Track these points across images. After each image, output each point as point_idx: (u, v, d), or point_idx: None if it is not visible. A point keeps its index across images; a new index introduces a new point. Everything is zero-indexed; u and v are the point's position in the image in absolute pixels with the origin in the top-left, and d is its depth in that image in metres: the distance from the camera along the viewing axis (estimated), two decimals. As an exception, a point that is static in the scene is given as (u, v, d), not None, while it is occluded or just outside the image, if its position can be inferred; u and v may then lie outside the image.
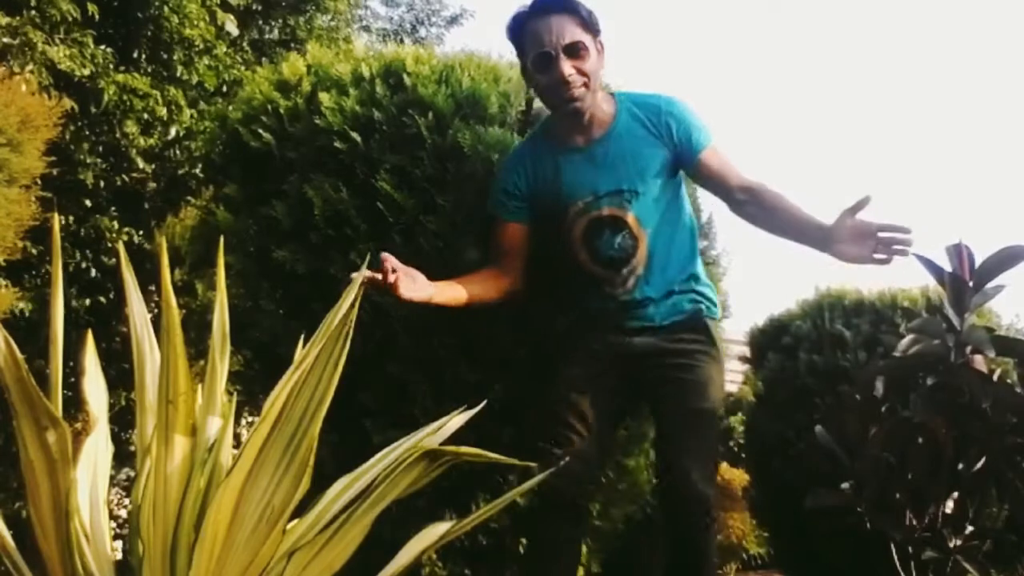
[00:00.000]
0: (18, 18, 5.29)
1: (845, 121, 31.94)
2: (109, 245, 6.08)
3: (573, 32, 1.97)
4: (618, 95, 2.11)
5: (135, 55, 6.28)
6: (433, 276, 2.15)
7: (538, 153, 2.11)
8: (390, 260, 1.78)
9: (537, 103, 2.30)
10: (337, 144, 2.24)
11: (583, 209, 2.05)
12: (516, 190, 2.10)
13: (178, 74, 6.38)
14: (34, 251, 5.11)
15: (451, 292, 1.97)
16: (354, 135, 2.24)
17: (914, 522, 2.85)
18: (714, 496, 2.01)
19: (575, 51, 1.97)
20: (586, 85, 1.99)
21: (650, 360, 2.08)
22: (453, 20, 13.53)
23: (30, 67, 5.12)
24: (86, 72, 5.60)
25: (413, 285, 1.83)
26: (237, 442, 1.79)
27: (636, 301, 2.10)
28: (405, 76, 2.32)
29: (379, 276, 1.75)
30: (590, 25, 2.01)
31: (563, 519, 2.03)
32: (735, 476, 4.81)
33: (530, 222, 2.11)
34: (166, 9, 6.19)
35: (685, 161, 2.07)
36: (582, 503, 2.08)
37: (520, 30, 2.03)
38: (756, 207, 2.02)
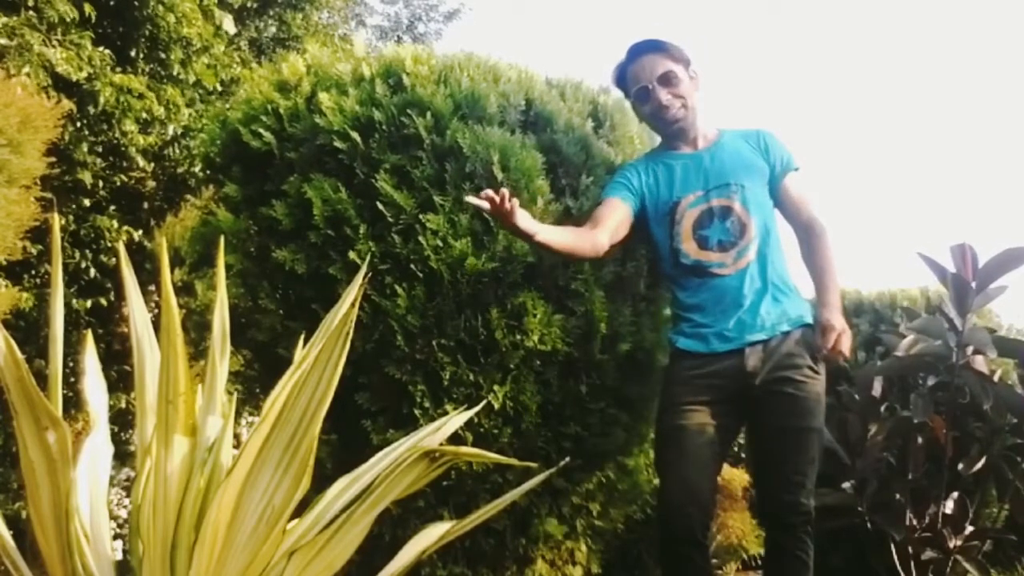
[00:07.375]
0: (15, 18, 5.28)
1: (849, 120, 31.99)
2: (109, 245, 6.07)
3: (664, 64, 2.29)
4: (721, 130, 2.40)
5: (133, 54, 6.27)
6: (430, 280, 2.15)
7: (651, 161, 2.37)
8: (504, 192, 1.89)
9: None
10: (337, 144, 2.24)
11: (693, 202, 2.26)
12: (628, 182, 2.31)
13: (176, 73, 6.37)
14: (34, 251, 5.10)
15: (553, 234, 2.07)
16: (354, 135, 2.23)
17: (914, 522, 2.85)
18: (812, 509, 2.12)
19: (668, 80, 2.28)
20: (684, 106, 2.29)
21: (758, 376, 2.16)
22: (451, 16, 13.50)
23: (27, 69, 5.10)
24: (83, 75, 5.59)
25: (524, 216, 1.94)
26: (237, 442, 1.79)
27: (749, 283, 2.20)
28: (404, 76, 2.32)
29: (496, 197, 1.86)
30: (678, 57, 2.32)
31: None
32: (735, 476, 4.80)
33: (633, 209, 2.29)
34: (163, 8, 6.18)
35: (775, 178, 2.33)
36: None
37: (623, 76, 2.36)
38: (804, 245, 2.30)
